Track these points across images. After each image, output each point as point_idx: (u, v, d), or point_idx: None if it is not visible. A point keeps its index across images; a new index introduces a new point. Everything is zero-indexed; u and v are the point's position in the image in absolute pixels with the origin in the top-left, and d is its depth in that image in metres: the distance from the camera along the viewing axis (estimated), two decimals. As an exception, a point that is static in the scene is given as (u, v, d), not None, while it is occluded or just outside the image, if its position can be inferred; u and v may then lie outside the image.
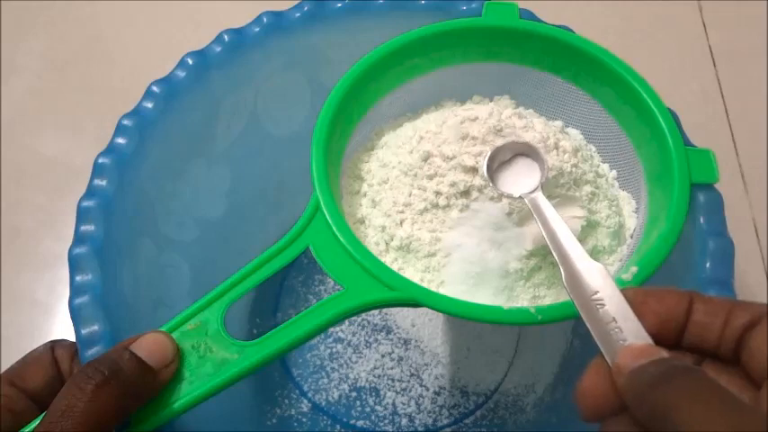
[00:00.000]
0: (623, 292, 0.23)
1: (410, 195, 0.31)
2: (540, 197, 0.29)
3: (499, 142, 0.30)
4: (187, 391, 0.26)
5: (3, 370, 0.30)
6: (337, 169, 0.32)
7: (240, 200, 0.43)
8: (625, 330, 0.22)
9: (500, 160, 0.31)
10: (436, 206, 0.31)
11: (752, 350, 0.21)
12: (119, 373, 0.24)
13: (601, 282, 0.24)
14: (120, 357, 0.25)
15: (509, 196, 0.29)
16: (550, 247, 0.26)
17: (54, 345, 0.30)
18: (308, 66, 0.40)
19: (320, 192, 0.29)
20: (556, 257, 0.26)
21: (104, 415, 0.23)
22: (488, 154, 0.30)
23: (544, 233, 0.27)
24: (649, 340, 0.22)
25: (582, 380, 0.23)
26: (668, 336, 0.23)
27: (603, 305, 0.23)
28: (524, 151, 0.31)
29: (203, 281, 0.32)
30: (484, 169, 0.30)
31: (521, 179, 0.30)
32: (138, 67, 0.52)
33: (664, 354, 0.21)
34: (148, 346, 0.26)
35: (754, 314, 0.22)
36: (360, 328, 0.45)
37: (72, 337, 0.29)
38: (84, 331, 0.29)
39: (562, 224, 0.27)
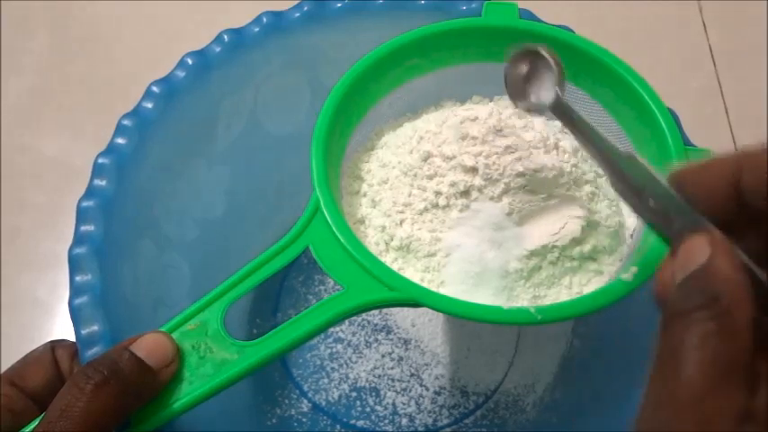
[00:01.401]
0: (668, 179, 0.22)
1: (410, 195, 0.31)
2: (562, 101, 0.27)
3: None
4: (187, 392, 0.26)
5: (3, 370, 0.30)
6: (337, 169, 0.32)
7: (240, 200, 0.43)
8: (676, 219, 0.21)
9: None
10: (436, 206, 0.31)
11: None
12: (118, 373, 0.24)
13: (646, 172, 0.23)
14: (119, 357, 0.25)
15: (539, 107, 0.28)
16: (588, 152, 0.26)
17: (54, 345, 0.30)
18: (308, 66, 0.40)
19: (320, 192, 0.29)
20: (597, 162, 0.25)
21: (103, 415, 0.23)
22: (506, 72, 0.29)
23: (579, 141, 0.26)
24: (705, 223, 0.21)
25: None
26: (724, 204, 0.21)
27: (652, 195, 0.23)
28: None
29: (203, 281, 0.32)
30: (505, 86, 0.29)
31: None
32: (138, 67, 0.52)
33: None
34: (148, 347, 0.26)
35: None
36: (360, 328, 0.45)
37: (72, 338, 0.30)
38: (83, 331, 0.29)
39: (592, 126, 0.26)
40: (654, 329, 0.31)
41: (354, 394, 0.44)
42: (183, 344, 0.27)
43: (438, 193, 0.30)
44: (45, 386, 0.29)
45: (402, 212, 0.31)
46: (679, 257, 0.21)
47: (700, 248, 0.20)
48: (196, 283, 0.39)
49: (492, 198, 0.30)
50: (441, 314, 0.41)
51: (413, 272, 0.30)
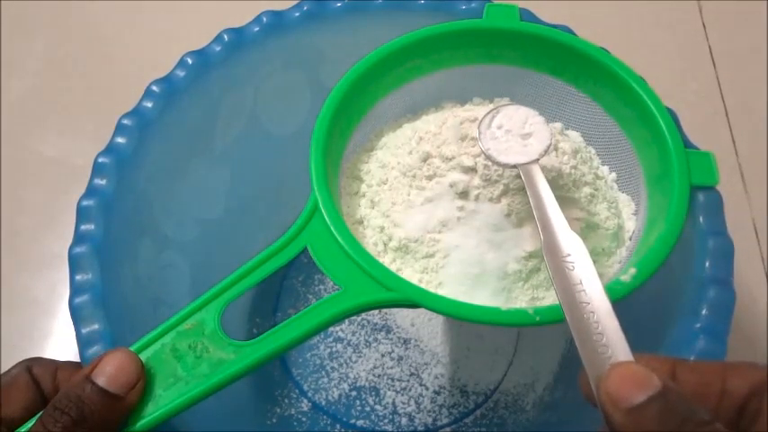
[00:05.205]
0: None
1: (409, 196, 0.31)
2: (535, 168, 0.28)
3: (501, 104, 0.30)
4: (183, 392, 0.26)
5: (2, 370, 0.29)
6: (336, 170, 0.32)
7: (240, 200, 0.43)
8: (610, 345, 0.22)
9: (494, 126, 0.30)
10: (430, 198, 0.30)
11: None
12: (83, 410, 0.24)
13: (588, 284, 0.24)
14: (82, 391, 0.25)
15: (505, 165, 0.29)
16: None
17: (31, 364, 0.28)
18: (307, 65, 0.40)
19: (318, 192, 0.29)
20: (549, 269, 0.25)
21: None
22: (483, 117, 0.30)
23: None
24: (631, 356, 0.21)
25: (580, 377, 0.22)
26: None
27: (589, 306, 0.23)
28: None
29: (203, 280, 0.32)
30: (476, 134, 0.29)
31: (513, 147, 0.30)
32: (138, 67, 0.52)
33: (656, 381, 0.20)
34: (110, 372, 0.25)
35: (753, 382, 0.21)
36: (359, 327, 0.45)
37: (72, 337, 0.29)
38: (84, 330, 0.29)
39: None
40: (652, 330, 0.31)
41: (354, 393, 0.44)
42: (179, 343, 0.27)
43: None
44: (23, 412, 0.27)
45: (401, 213, 0.31)
46: (617, 383, 0.21)
47: (643, 375, 0.21)
48: (196, 282, 0.39)
49: (491, 199, 0.30)
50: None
51: (411, 272, 0.30)
